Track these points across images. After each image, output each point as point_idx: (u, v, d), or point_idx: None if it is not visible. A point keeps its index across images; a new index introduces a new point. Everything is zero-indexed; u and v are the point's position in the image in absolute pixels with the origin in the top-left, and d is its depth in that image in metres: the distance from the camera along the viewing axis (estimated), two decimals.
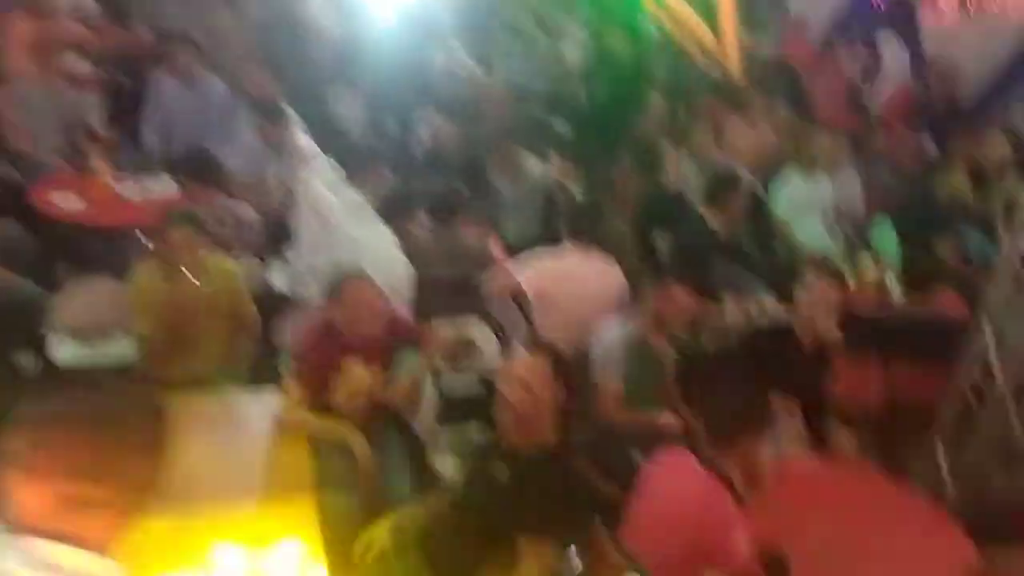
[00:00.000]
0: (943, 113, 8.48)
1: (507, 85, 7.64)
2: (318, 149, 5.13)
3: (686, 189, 6.17)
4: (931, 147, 7.75)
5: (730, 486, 2.86)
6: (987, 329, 4.11)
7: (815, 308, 3.91)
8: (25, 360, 4.26)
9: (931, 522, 3.47)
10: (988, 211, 6.68)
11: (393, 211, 4.36)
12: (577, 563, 2.97)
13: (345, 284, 3.45)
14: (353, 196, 4.59)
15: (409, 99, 6.82)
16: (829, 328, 4.06)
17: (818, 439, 3.96)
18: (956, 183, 6.02)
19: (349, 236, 4.29)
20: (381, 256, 4.19)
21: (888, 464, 4.24)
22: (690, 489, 2.86)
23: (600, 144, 6.81)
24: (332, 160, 4.77)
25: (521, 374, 2.86)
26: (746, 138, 7.22)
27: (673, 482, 2.94)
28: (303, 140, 5.37)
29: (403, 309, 4.15)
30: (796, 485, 3.43)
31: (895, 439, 4.46)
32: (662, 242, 5.49)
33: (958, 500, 4.15)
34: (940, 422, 4.29)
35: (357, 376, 3.54)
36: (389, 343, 3.65)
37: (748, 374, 3.62)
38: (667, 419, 3.84)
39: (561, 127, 7.76)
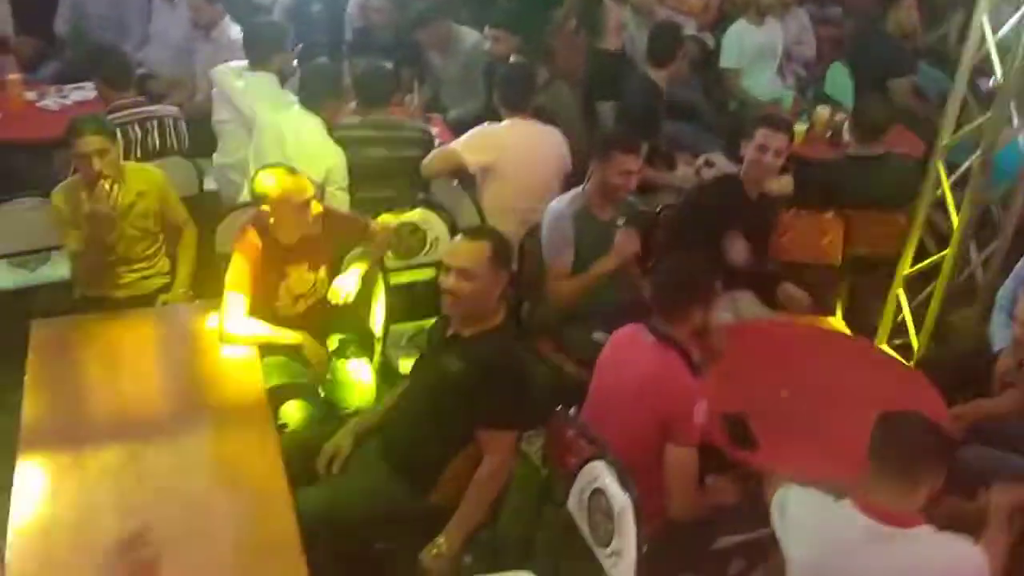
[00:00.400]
0: None
1: None
2: (242, 38, 4.87)
3: (631, 49, 5.97)
4: None
5: (686, 357, 2.83)
6: (941, 168, 4.05)
7: (758, 158, 3.79)
8: None
9: (896, 373, 3.47)
10: (943, 45, 6.56)
11: (324, 95, 4.09)
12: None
13: (269, 184, 3.24)
14: (273, 84, 4.34)
15: None
16: (775, 178, 3.96)
17: (771, 297, 3.92)
18: (907, 18, 5.81)
19: (271, 128, 4.06)
20: (309, 145, 3.97)
21: (850, 317, 4.24)
22: (646, 364, 2.84)
23: (540, 7, 6.53)
24: (256, 46, 4.50)
25: (460, 261, 2.76)
26: None
27: (629, 359, 2.90)
28: (233, 30, 5.11)
29: (343, 203, 3.98)
30: (753, 346, 3.40)
31: (854, 292, 4.45)
32: (607, 107, 5.30)
33: (921, 351, 4.17)
34: (900, 270, 4.27)
35: (301, 279, 3.42)
36: (331, 241, 3.51)
37: (696, 236, 3.56)
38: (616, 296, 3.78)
39: None
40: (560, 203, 3.76)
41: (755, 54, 5.93)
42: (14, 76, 4.99)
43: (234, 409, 2.97)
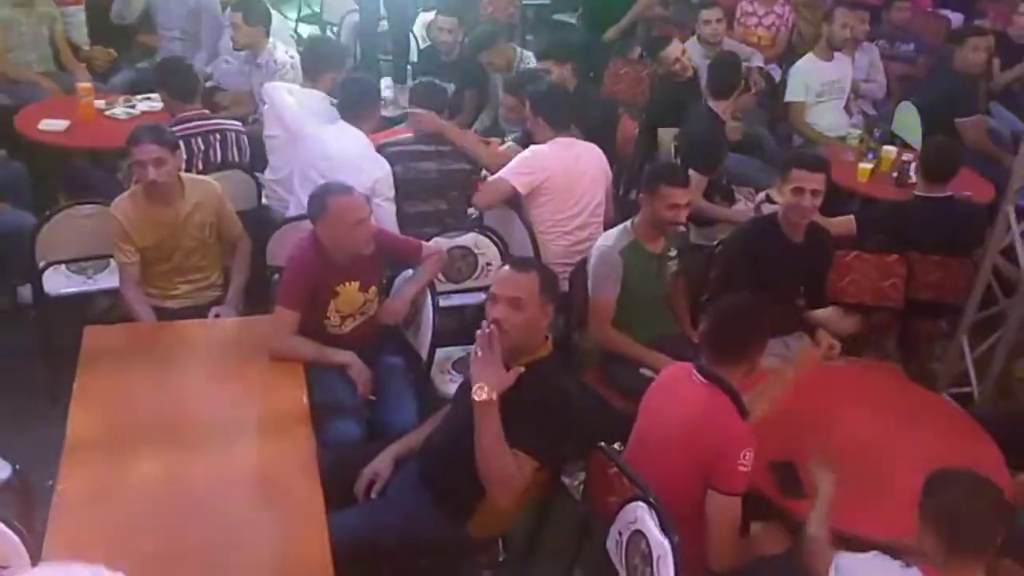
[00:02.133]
0: None
1: None
2: (296, 60, 4.95)
3: (701, 80, 5.92)
4: (955, 19, 7.39)
5: (736, 401, 2.76)
6: (1011, 213, 3.92)
7: (797, 201, 3.67)
8: (23, 292, 4.21)
9: (954, 424, 3.34)
10: (1020, 86, 6.40)
11: (362, 109, 4.13)
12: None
13: (329, 200, 3.27)
14: (323, 100, 4.37)
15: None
16: (836, 219, 3.87)
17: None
18: (974, 57, 5.66)
19: (313, 142, 4.09)
20: (352, 158, 3.97)
21: (908, 364, 4.12)
22: (694, 405, 2.77)
23: (596, 34, 6.54)
24: (311, 63, 4.54)
25: (509, 291, 2.73)
26: (760, 20, 6.92)
27: (677, 398, 2.84)
28: (281, 51, 5.19)
29: (389, 214, 3.99)
30: (807, 390, 3.30)
31: (915, 336, 4.32)
32: (668, 134, 5.25)
33: (983, 401, 4.03)
34: (965, 317, 4.14)
35: (352, 298, 3.42)
36: (383, 261, 3.51)
37: (740, 279, 3.47)
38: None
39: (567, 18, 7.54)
40: (608, 239, 3.72)
41: (822, 89, 5.83)
42: (85, 85, 5.10)
43: (278, 426, 2.96)
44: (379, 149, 4.23)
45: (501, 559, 2.96)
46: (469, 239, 3.97)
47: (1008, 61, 6.43)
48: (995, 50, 6.17)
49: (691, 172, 4.56)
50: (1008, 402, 4.06)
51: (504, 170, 4.13)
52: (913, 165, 4.57)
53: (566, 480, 3.40)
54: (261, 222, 4.21)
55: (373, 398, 3.37)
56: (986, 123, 5.85)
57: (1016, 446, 3.17)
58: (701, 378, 2.79)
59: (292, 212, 4.05)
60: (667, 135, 5.31)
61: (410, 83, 6.13)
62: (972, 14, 6.86)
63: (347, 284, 3.39)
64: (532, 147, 4.18)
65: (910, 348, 4.30)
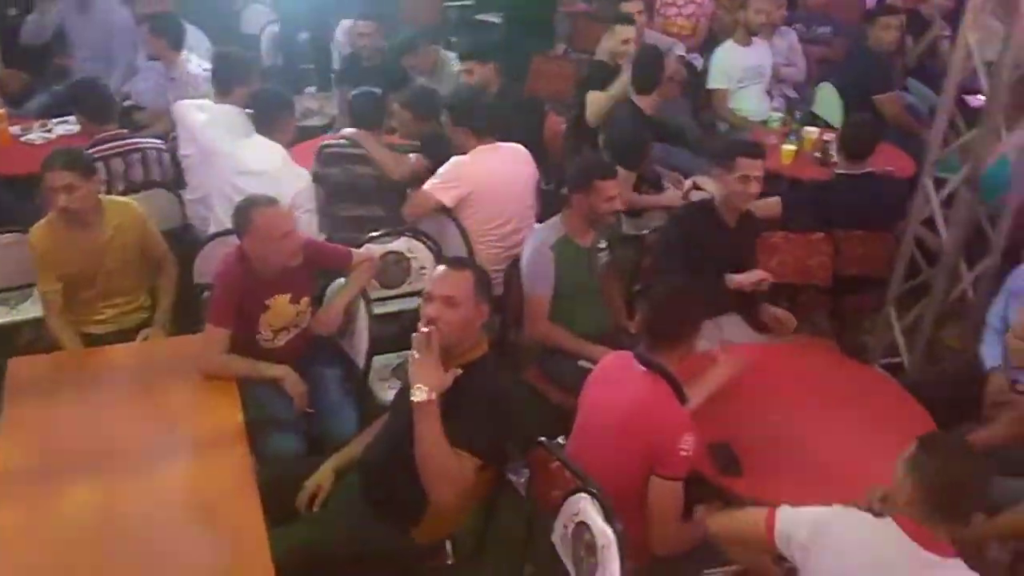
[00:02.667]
0: None
1: None
2: (208, 71, 4.88)
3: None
4: (870, 0, 7.55)
5: (675, 387, 2.78)
6: (930, 185, 4.02)
7: (743, 189, 3.76)
8: None
9: (887, 395, 3.41)
10: (930, 61, 6.56)
11: (277, 120, 4.09)
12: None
13: (253, 213, 3.22)
14: (236, 115, 4.29)
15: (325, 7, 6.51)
16: (763, 201, 3.93)
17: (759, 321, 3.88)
18: (892, 36, 5.79)
19: (228, 158, 4.03)
20: (271, 171, 3.93)
21: (840, 339, 4.20)
22: (634, 392, 2.79)
23: (520, 34, 6.57)
24: (221, 78, 4.47)
25: (443, 289, 2.72)
26: (680, 9, 7.01)
27: (616, 387, 2.85)
28: (194, 64, 5.12)
29: (311, 226, 3.96)
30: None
31: (845, 311, 4.41)
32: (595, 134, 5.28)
33: (914, 369, 4.12)
34: (891, 289, 4.23)
35: (283, 311, 3.38)
36: (313, 272, 3.47)
37: (676, 263, 3.51)
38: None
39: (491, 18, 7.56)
40: (539, 235, 3.73)
41: (743, 75, 5.92)
42: None
43: (212, 445, 2.91)
44: (319, 150, 4.25)
45: (450, 562, 2.94)
46: (402, 244, 3.95)
47: (920, 37, 6.59)
48: (907, 27, 6.32)
49: (619, 169, 4.59)
50: (936, 369, 4.16)
51: (429, 183, 4.10)
52: (834, 144, 4.66)
53: (513, 478, 3.39)
54: (187, 240, 4.14)
55: (310, 410, 3.33)
56: (903, 99, 5.99)
57: (945, 410, 3.25)
58: (640, 366, 2.82)
59: (213, 230, 3.98)
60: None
61: (334, 91, 6.11)
62: None
63: (277, 297, 3.35)
64: (455, 159, 4.13)
65: (841, 323, 4.39)
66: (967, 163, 3.90)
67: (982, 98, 3.94)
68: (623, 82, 5.11)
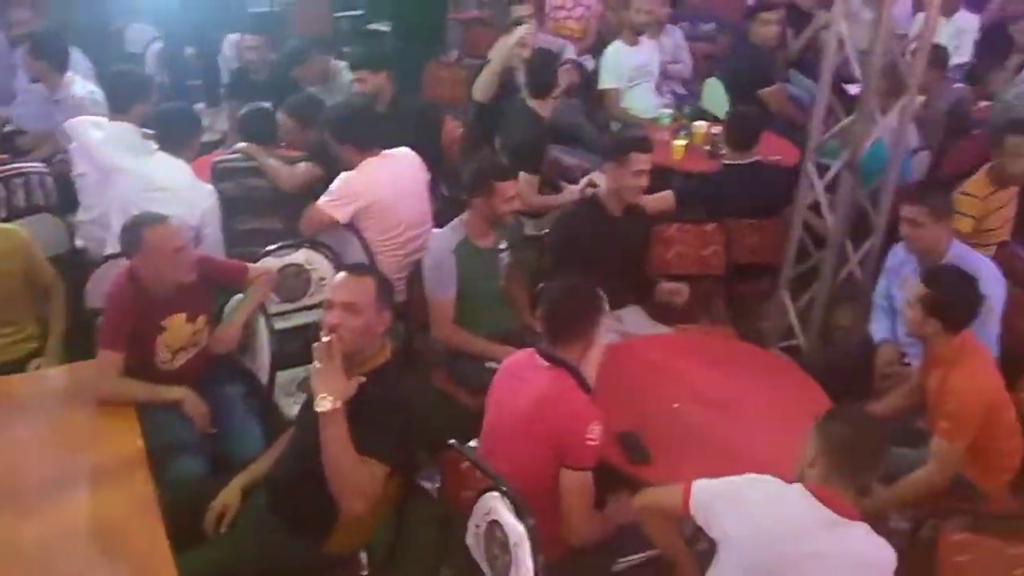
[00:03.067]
0: None
1: None
2: (97, 94, 4.75)
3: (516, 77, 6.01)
4: None
5: (578, 378, 2.82)
6: (813, 171, 4.16)
7: (635, 183, 3.87)
8: None
9: (786, 376, 3.53)
10: (811, 52, 6.79)
11: (182, 137, 4.03)
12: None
13: (143, 231, 3.14)
14: (133, 133, 4.16)
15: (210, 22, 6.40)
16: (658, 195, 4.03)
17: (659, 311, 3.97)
18: (772, 31, 5.99)
19: (133, 175, 3.93)
20: (178, 189, 3.86)
21: (739, 325, 4.31)
22: (538, 386, 2.82)
23: (413, 40, 6.57)
24: (116, 96, 4.35)
25: (344, 296, 2.72)
26: (569, 12, 7.11)
27: (521, 384, 2.88)
28: (79, 86, 4.97)
29: (219, 243, 3.90)
30: (645, 361, 3.41)
31: (742, 298, 4.54)
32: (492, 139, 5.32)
33: (809, 350, 4.26)
34: (783, 274, 4.37)
35: (180, 331, 3.31)
36: (209, 289, 3.41)
37: (569, 259, 3.57)
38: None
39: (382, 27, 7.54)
40: (439, 239, 3.75)
41: (632, 74, 6.04)
42: None
43: (112, 473, 2.81)
44: (212, 166, 4.20)
45: (364, 573, 2.92)
46: (300, 256, 3.89)
47: (801, 30, 6.82)
48: (787, 21, 6.54)
49: (521, 174, 4.63)
50: (830, 348, 4.31)
51: (322, 200, 4.06)
52: (722, 137, 4.78)
53: (426, 485, 3.38)
54: (76, 265, 4.01)
55: (214, 431, 3.27)
56: (787, 90, 6.19)
57: (840, 387, 3.38)
58: (543, 361, 2.85)
59: (110, 250, 3.86)
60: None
61: (224, 106, 6.01)
62: None
63: (173, 317, 3.27)
64: (344, 175, 4.07)
65: (738, 310, 4.51)
66: (847, 149, 4.05)
67: (858, 87, 4.10)
68: (499, 52, 5.12)
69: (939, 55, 5.40)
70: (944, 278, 3.20)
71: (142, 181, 3.87)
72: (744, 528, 2.33)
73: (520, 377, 2.90)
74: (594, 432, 2.70)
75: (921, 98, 5.15)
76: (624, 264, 3.98)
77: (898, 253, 3.83)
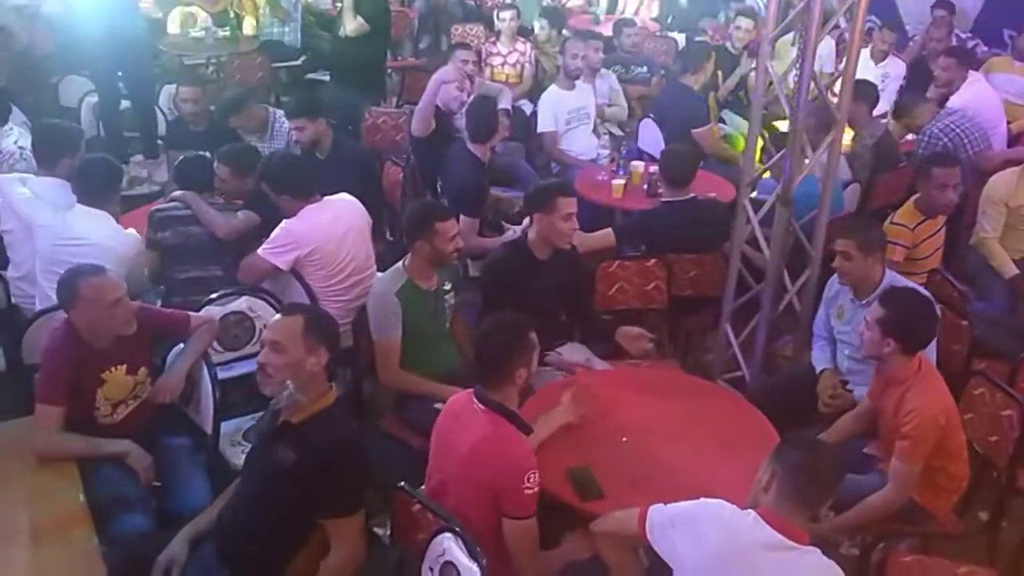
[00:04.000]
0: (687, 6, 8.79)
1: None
2: (24, 148, 4.69)
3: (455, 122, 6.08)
4: (681, 39, 8.00)
5: (515, 421, 2.83)
6: (748, 206, 4.26)
7: (567, 227, 3.90)
8: None
9: (731, 407, 3.57)
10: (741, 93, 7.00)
11: (103, 190, 3.98)
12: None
13: (80, 284, 3.09)
14: (59, 187, 4.08)
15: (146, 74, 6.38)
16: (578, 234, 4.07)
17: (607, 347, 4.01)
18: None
19: (50, 230, 3.89)
20: (100, 242, 3.81)
21: (684, 358, 4.37)
22: (474, 432, 2.80)
23: (360, 86, 6.60)
24: (43, 150, 4.29)
25: (271, 335, 2.74)
26: (505, 59, 7.23)
27: (461, 426, 2.87)
28: (8, 140, 4.91)
29: (140, 289, 3.89)
30: (595, 396, 3.44)
31: (685, 332, 4.60)
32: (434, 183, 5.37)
33: (753, 381, 4.32)
34: (725, 307, 4.45)
35: (120, 384, 3.25)
36: (149, 339, 3.36)
37: (500, 300, 3.60)
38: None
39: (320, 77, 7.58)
40: (382, 283, 3.75)
41: (569, 117, 6.14)
42: None
43: (53, 532, 2.74)
44: (150, 215, 4.18)
45: None
46: (243, 303, 3.86)
47: (730, 71, 7.03)
48: (717, 63, 6.73)
49: (463, 217, 4.67)
50: (773, 378, 4.38)
51: (262, 248, 4.04)
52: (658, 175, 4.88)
53: (379, 531, 3.35)
54: (11, 322, 3.92)
55: (158, 484, 3.20)
56: (719, 130, 6.35)
57: (783, 416, 3.44)
58: (479, 404, 2.84)
59: (39, 306, 3.79)
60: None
61: (162, 157, 5.96)
62: (695, 32, 7.45)
63: (113, 369, 3.22)
64: (285, 223, 4.07)
65: (683, 343, 4.57)
66: (780, 184, 4.16)
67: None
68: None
69: (867, 92, 5.60)
70: (901, 300, 3.27)
71: (59, 235, 3.84)
72: (696, 551, 2.35)
73: (459, 420, 2.89)
74: (531, 481, 2.70)
75: (850, 133, 5.36)
76: (556, 304, 4.03)
77: (834, 284, 3.94)
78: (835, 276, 3.89)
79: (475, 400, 2.85)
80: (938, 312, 3.28)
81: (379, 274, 3.96)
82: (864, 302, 3.70)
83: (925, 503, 3.27)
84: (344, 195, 4.28)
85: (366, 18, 6.27)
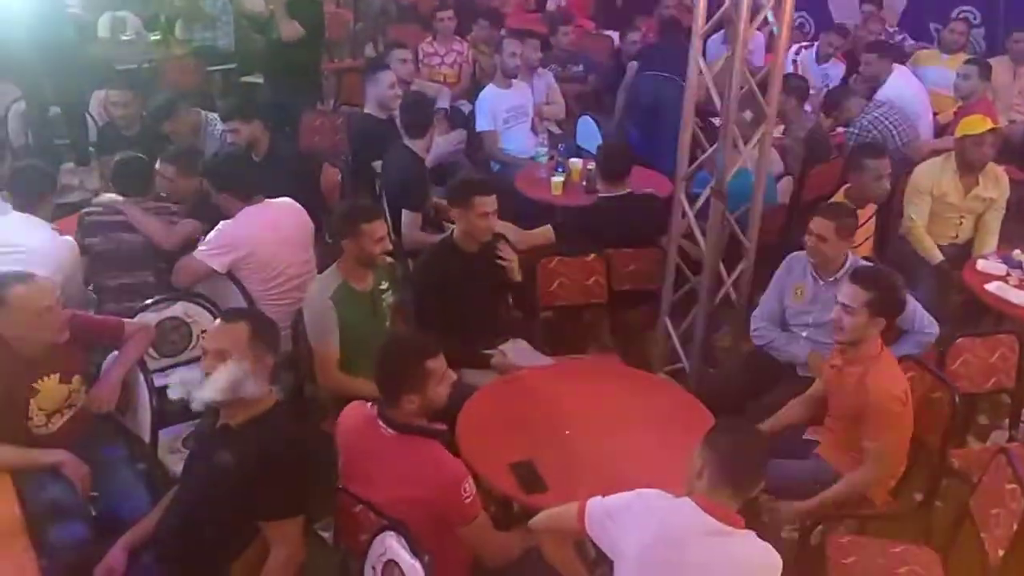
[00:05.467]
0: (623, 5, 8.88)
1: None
2: None
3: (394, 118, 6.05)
4: (615, 36, 8.08)
5: (433, 436, 2.80)
6: (684, 200, 4.32)
7: (485, 224, 3.90)
8: None
9: (671, 398, 3.62)
10: None
11: (36, 195, 3.95)
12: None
13: (8, 291, 3.01)
14: None
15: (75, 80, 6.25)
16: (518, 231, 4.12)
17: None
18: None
19: None
20: (37, 248, 3.75)
21: (626, 352, 4.42)
22: (399, 472, 2.74)
23: (296, 89, 6.54)
24: None
25: (215, 343, 2.70)
26: (443, 58, 7.23)
27: (374, 465, 2.79)
28: None
29: (76, 292, 3.82)
30: (534, 392, 3.46)
31: (626, 325, 4.65)
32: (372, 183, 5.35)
33: (693, 372, 4.39)
34: (664, 300, 4.50)
35: (54, 392, 3.18)
36: (83, 347, 3.30)
37: (430, 304, 3.59)
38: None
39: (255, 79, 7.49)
40: (317, 287, 3.73)
41: (507, 116, 6.16)
42: None
43: None
44: (80, 218, 4.09)
45: None
46: (178, 309, 3.80)
47: None
48: None
49: (405, 212, 4.67)
50: (712, 370, 4.45)
51: (198, 250, 4.00)
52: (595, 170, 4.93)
53: (323, 534, 3.32)
54: None
55: (95, 494, 3.15)
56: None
57: (722, 406, 3.50)
58: (390, 430, 2.77)
59: None
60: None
61: (94, 163, 5.85)
62: (630, 29, 7.52)
63: (45, 378, 3.15)
64: (223, 224, 4.03)
65: (624, 337, 4.62)
66: (713, 177, 4.23)
67: None
68: None
69: (798, 86, 5.72)
70: (883, 280, 3.33)
71: None
72: (634, 540, 2.37)
73: (369, 445, 2.80)
74: (468, 489, 2.69)
75: (781, 127, 5.46)
76: (493, 299, 4.04)
77: (792, 264, 4.00)
78: (792, 256, 3.97)
79: (382, 423, 2.79)
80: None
81: (315, 278, 3.93)
82: (830, 280, 3.77)
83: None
84: (286, 199, 4.25)
85: (300, 22, 6.22)
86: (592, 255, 4.39)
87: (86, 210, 4.22)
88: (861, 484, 3.24)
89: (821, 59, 7.28)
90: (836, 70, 7.31)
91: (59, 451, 3.11)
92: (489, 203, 3.88)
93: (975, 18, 7.80)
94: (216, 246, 3.98)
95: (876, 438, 3.21)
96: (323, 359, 3.65)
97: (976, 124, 4.82)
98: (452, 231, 4.03)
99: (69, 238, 3.93)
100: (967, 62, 6.26)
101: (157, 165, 4.43)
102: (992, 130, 4.85)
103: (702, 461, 2.42)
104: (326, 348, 3.64)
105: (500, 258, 3.96)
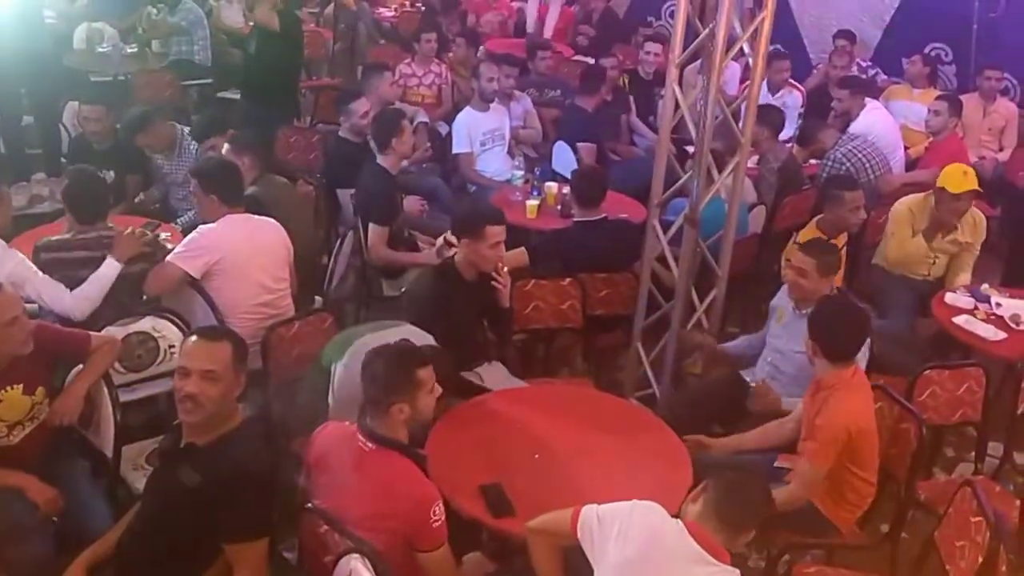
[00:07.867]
0: (601, 32, 8.96)
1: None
2: None
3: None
4: None
5: (411, 455, 2.79)
6: (657, 226, 4.34)
7: (494, 254, 3.90)
8: None
9: (640, 423, 3.62)
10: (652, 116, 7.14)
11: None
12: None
13: None
14: None
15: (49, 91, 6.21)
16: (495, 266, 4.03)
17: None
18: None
19: None
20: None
21: (597, 377, 4.42)
22: (373, 484, 2.74)
23: (273, 105, 6.52)
24: None
25: (202, 363, 2.64)
26: (421, 79, 7.25)
27: (351, 477, 2.79)
28: None
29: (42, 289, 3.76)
30: (505, 414, 3.45)
31: (598, 350, 4.65)
32: (347, 195, 5.33)
33: (663, 398, 4.39)
34: (636, 325, 4.51)
35: (16, 405, 3.13)
36: (47, 359, 3.23)
37: (438, 322, 3.58)
38: None
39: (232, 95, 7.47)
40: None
41: (484, 139, 6.18)
42: None
43: None
44: (35, 253, 3.88)
45: None
46: (146, 323, 3.74)
47: (641, 93, 7.18)
48: (629, 87, 6.87)
49: (371, 225, 4.66)
50: (680, 396, 4.45)
51: (173, 254, 3.96)
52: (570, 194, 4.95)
53: (287, 555, 3.28)
54: None
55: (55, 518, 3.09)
56: (631, 151, 6.46)
57: (692, 431, 3.51)
58: (370, 443, 2.77)
59: None
60: (346, 196, 5.37)
61: (64, 175, 5.79)
62: (608, 57, 7.56)
63: (8, 389, 3.10)
64: (201, 227, 4.02)
65: (596, 362, 4.62)
66: (687, 204, 4.25)
67: None
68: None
69: (773, 117, 5.78)
70: (829, 308, 3.43)
71: None
72: (619, 549, 2.38)
73: (346, 458, 2.80)
74: (437, 513, 2.68)
75: (755, 156, 5.51)
76: (478, 323, 4.03)
77: (783, 292, 4.03)
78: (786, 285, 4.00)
79: (361, 437, 2.78)
80: (866, 327, 3.39)
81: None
82: (804, 312, 3.78)
83: (830, 515, 3.35)
84: (270, 219, 4.24)
85: (280, 36, 6.22)
86: (568, 279, 4.39)
87: (42, 245, 3.99)
88: (785, 501, 3.14)
89: (772, 88, 7.19)
90: (793, 99, 7.27)
91: (22, 475, 3.05)
92: (500, 233, 3.88)
93: (947, 55, 7.92)
94: (192, 248, 3.95)
95: (810, 460, 3.24)
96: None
97: (958, 181, 4.68)
98: (454, 255, 4.01)
99: (12, 251, 3.79)
100: (938, 98, 6.36)
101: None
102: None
103: (703, 487, 2.44)
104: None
105: (495, 281, 3.95)
